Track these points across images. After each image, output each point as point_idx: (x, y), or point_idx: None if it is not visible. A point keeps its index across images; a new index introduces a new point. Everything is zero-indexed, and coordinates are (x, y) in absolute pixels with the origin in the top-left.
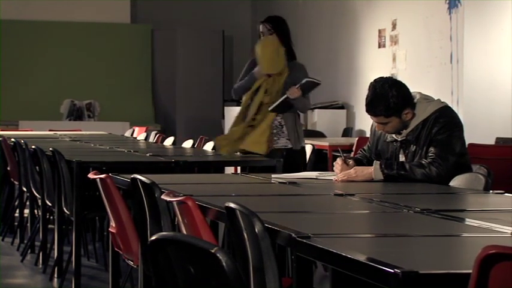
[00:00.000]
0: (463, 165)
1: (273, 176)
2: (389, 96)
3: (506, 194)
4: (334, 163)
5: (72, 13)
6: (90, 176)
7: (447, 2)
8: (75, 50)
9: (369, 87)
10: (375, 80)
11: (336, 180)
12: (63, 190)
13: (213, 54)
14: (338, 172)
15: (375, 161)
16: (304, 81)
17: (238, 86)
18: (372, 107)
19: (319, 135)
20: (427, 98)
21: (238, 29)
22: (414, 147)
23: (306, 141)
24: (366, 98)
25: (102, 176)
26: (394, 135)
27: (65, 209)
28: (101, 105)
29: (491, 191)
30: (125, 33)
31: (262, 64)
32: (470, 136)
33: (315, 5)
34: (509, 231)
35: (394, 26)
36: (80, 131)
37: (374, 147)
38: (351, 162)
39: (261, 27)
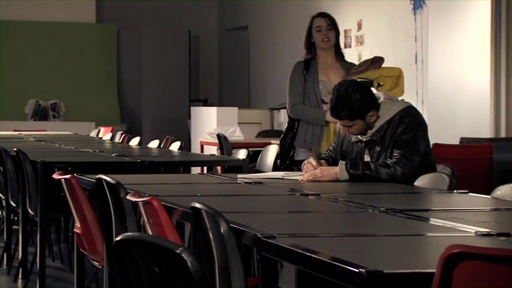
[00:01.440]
0: (428, 165)
1: (239, 176)
2: (353, 99)
3: (470, 194)
4: (305, 162)
5: (37, 13)
6: (55, 176)
7: (412, 2)
8: (40, 49)
9: (333, 91)
10: (338, 83)
11: (302, 180)
12: (27, 191)
13: (180, 54)
14: (310, 171)
15: (340, 161)
16: None
17: (302, 114)
18: (336, 111)
19: None
20: (391, 99)
21: (205, 28)
22: (379, 147)
23: (272, 141)
24: (330, 102)
25: (67, 176)
26: (359, 136)
27: (29, 209)
28: (66, 105)
29: (455, 191)
30: (90, 33)
31: (401, 92)
32: (435, 136)
33: (281, 5)
34: (473, 231)
35: (359, 27)
36: (45, 131)
37: (339, 148)
38: (323, 162)
39: (317, 22)
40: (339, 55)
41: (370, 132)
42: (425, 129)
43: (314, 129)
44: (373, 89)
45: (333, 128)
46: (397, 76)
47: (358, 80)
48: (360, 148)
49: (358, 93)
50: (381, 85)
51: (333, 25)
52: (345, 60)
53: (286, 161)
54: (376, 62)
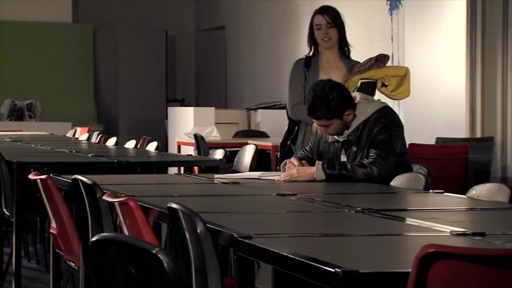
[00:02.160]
0: (404, 165)
1: (215, 176)
2: (329, 98)
3: (445, 194)
4: (287, 161)
5: (13, 12)
6: (31, 176)
7: (388, 3)
8: (16, 49)
9: (309, 91)
10: (314, 83)
11: (279, 180)
12: (3, 191)
13: (156, 54)
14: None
15: (317, 161)
16: (358, 84)
17: (302, 115)
18: (313, 111)
19: (263, 135)
20: (367, 99)
21: (182, 29)
22: (355, 147)
23: (249, 141)
24: (307, 102)
25: (43, 176)
26: (335, 136)
27: (5, 210)
28: (42, 106)
29: (431, 191)
30: (66, 32)
31: (406, 93)
32: (411, 136)
33: (258, 5)
34: (449, 231)
35: None
36: (21, 131)
37: (316, 148)
38: (304, 162)
39: (317, 19)
40: (344, 53)
41: (346, 133)
42: (402, 129)
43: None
44: (377, 91)
45: None
46: (402, 76)
47: (362, 80)
48: (336, 148)
49: (334, 92)
50: (386, 85)
51: (334, 22)
52: (349, 58)
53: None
54: (381, 60)
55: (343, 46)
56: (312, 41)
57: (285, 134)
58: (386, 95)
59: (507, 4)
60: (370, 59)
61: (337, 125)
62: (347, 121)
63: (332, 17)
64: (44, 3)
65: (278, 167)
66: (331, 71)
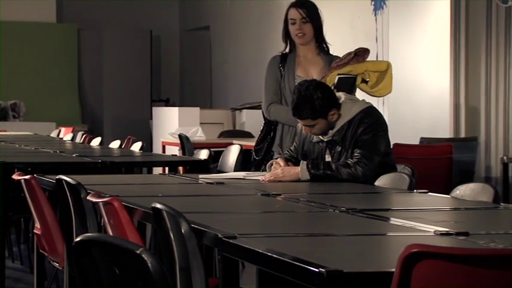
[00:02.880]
0: (388, 165)
1: (200, 176)
2: (314, 98)
3: (429, 193)
4: (273, 162)
5: None
6: (15, 177)
7: (372, 3)
8: (0, 49)
9: (294, 91)
10: (299, 83)
11: (263, 180)
12: None
13: (141, 54)
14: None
15: (301, 161)
16: (336, 79)
17: (278, 115)
18: (298, 111)
19: (247, 135)
20: (352, 99)
21: (166, 29)
22: (340, 147)
23: (233, 141)
24: (292, 102)
25: (27, 177)
26: (320, 136)
27: None
28: (26, 106)
29: (415, 190)
30: (50, 32)
31: (387, 89)
32: (395, 136)
33: (242, 5)
34: (432, 230)
35: None
36: (5, 131)
37: (300, 148)
38: (290, 163)
39: (291, 13)
40: (322, 49)
41: (331, 133)
42: (386, 129)
43: (291, 131)
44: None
45: None
46: (383, 71)
47: (340, 75)
48: (321, 148)
49: (319, 91)
50: (367, 81)
51: (309, 17)
52: (328, 54)
53: (260, 169)
54: (360, 54)
55: (320, 42)
56: (287, 36)
57: (259, 136)
58: (366, 92)
59: (491, 4)
60: (349, 53)
61: (322, 125)
62: (332, 121)
63: (308, 12)
64: (28, 3)
65: (262, 169)
66: (309, 67)
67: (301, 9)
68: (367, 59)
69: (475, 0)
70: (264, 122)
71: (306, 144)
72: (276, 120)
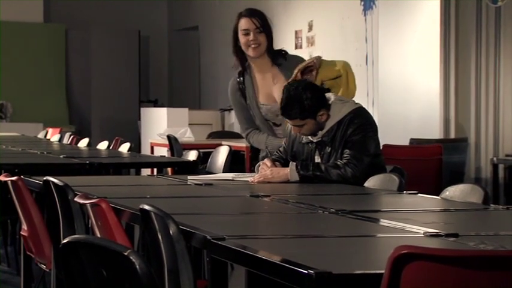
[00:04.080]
0: (378, 166)
1: (189, 177)
2: (303, 98)
3: (419, 195)
4: (260, 163)
5: None
6: (1, 178)
7: (362, 3)
8: None
9: (283, 91)
10: (288, 83)
11: (252, 182)
12: None
13: (129, 54)
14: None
15: (291, 162)
16: None
17: (257, 144)
18: (287, 110)
19: (236, 136)
20: (341, 99)
21: (155, 29)
22: (329, 148)
23: (222, 142)
24: (281, 102)
25: (14, 178)
26: (309, 137)
27: None
28: (13, 106)
29: (404, 192)
30: (38, 32)
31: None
32: (385, 137)
33: (231, 5)
34: (422, 232)
35: (310, 27)
36: None
37: (290, 149)
38: (277, 163)
39: (244, 23)
40: (275, 59)
41: (320, 133)
42: (376, 130)
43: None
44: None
45: None
46: (337, 77)
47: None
48: (310, 149)
49: (308, 92)
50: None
51: (263, 27)
52: (286, 59)
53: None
54: (307, 72)
55: (272, 52)
56: (239, 51)
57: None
58: None
59: (480, 5)
60: (298, 69)
61: (311, 125)
62: (321, 121)
63: (261, 21)
64: (15, 2)
65: (252, 168)
66: (269, 87)
67: (255, 19)
68: (324, 64)
69: (465, 0)
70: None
71: (295, 145)
72: (257, 147)
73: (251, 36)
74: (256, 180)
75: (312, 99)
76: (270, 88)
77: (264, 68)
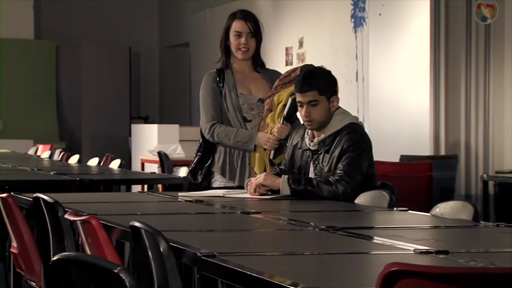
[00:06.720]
0: (370, 186)
1: (179, 194)
2: (327, 74)
3: (409, 211)
4: (250, 179)
5: None
6: None
7: (353, 20)
8: None
9: (301, 68)
10: (304, 65)
11: (251, 193)
12: None
13: (120, 71)
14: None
15: (283, 175)
16: (289, 101)
17: (224, 137)
18: (308, 80)
19: None
20: (344, 112)
21: (146, 45)
22: (324, 158)
23: None
24: (297, 78)
25: (4, 195)
26: (307, 142)
27: None
28: (3, 123)
29: (395, 208)
30: (28, 49)
31: None
32: (376, 153)
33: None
34: (412, 248)
35: (301, 44)
36: None
37: (289, 157)
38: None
39: (238, 25)
40: (257, 64)
41: (317, 140)
42: (371, 149)
43: (236, 155)
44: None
45: (260, 155)
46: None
47: (292, 96)
48: (307, 157)
49: (331, 73)
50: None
51: (256, 32)
52: (266, 69)
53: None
54: (287, 82)
55: (256, 57)
56: (227, 48)
57: (196, 159)
58: None
59: (470, 23)
60: (294, 69)
61: (322, 109)
62: (331, 109)
63: (255, 26)
64: (6, 19)
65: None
66: (249, 83)
67: (249, 23)
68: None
69: (455, 17)
70: (201, 141)
71: (295, 151)
72: (221, 143)
73: (243, 40)
74: (252, 190)
75: (333, 81)
76: (250, 83)
77: (245, 69)
